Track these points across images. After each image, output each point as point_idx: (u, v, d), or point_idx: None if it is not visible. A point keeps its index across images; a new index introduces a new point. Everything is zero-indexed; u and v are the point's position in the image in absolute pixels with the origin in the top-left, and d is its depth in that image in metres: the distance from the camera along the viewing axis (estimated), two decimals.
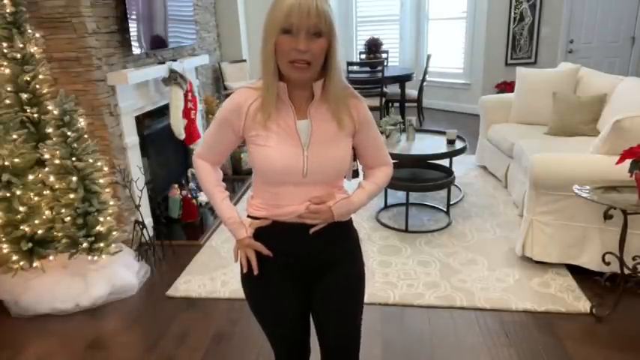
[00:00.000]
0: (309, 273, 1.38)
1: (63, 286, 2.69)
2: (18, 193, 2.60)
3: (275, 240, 1.34)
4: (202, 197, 4.01)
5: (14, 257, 2.68)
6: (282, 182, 1.28)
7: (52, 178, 2.66)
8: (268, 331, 1.47)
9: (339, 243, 1.39)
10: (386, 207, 3.84)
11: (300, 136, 1.25)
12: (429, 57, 6.50)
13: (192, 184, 4.04)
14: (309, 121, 1.26)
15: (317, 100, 1.26)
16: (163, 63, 3.63)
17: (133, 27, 3.21)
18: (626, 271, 2.35)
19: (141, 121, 3.51)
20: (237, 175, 4.72)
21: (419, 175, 3.62)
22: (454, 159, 3.82)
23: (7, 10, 2.57)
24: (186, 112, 3.77)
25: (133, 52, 3.28)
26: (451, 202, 3.73)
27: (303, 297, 1.41)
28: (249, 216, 1.40)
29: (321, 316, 1.43)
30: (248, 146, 1.31)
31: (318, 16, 1.13)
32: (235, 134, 1.31)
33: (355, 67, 6.25)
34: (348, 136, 1.31)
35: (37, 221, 2.69)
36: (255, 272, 1.36)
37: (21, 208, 2.62)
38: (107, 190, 2.84)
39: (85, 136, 2.71)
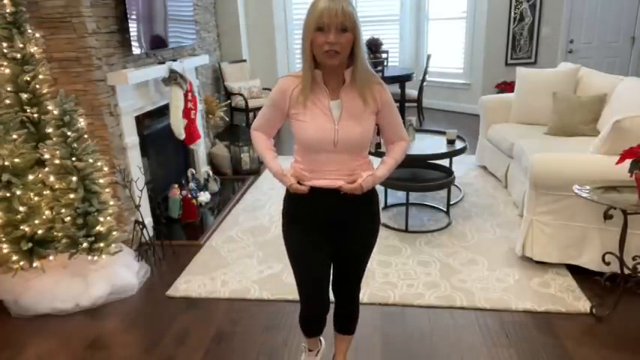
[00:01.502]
0: (337, 226, 1.70)
1: (63, 286, 2.69)
2: (18, 193, 2.60)
3: (313, 200, 1.65)
4: (202, 197, 4.02)
5: (14, 257, 2.68)
6: (318, 150, 1.58)
7: (52, 178, 2.66)
8: (301, 273, 1.74)
9: (363, 205, 1.71)
10: (386, 207, 3.84)
11: (332, 113, 1.56)
12: (429, 57, 6.50)
13: (192, 184, 4.04)
14: (340, 102, 1.57)
15: (347, 85, 1.57)
16: (163, 63, 3.63)
17: (133, 27, 3.21)
18: (626, 271, 2.35)
19: (141, 121, 3.51)
20: (237, 175, 4.72)
21: (419, 175, 3.62)
22: (454, 159, 3.82)
23: (7, 10, 2.57)
24: (186, 112, 3.77)
25: (133, 52, 3.28)
26: (451, 202, 3.73)
27: (330, 247, 1.73)
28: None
29: (340, 258, 1.78)
30: (291, 122, 1.61)
31: (343, 15, 1.43)
32: (281, 112, 1.63)
33: None
34: (371, 114, 1.61)
35: (37, 221, 2.69)
36: (305, 190, 1.64)
37: (21, 208, 2.62)
38: (107, 190, 2.84)
39: (85, 136, 2.71)
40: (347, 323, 1.97)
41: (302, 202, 1.66)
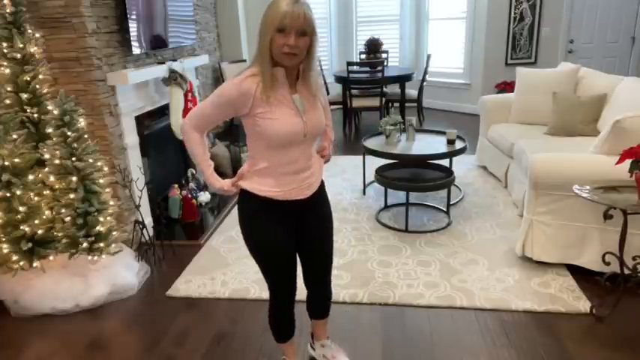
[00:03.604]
0: (297, 213, 1.77)
1: (63, 286, 2.69)
2: (18, 193, 2.60)
3: (279, 205, 1.71)
4: (202, 197, 4.02)
5: (14, 257, 2.68)
6: (288, 144, 1.62)
7: (52, 178, 2.66)
8: (267, 264, 1.80)
9: (319, 193, 1.83)
10: (386, 207, 3.84)
11: (297, 106, 1.62)
12: (429, 57, 6.50)
13: (192, 184, 4.04)
14: (299, 95, 1.64)
15: (300, 79, 1.65)
16: (163, 63, 3.63)
17: (132, 27, 3.21)
18: (626, 271, 2.35)
19: (141, 121, 3.51)
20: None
21: (419, 175, 3.62)
22: (454, 159, 3.83)
23: (7, 10, 2.57)
24: (186, 112, 3.77)
25: (133, 52, 3.27)
26: (451, 202, 3.73)
27: (293, 236, 1.81)
28: (248, 191, 1.72)
29: (308, 243, 1.86)
30: (254, 121, 1.59)
31: (305, 20, 1.49)
32: (236, 112, 1.62)
33: (355, 67, 6.25)
34: (320, 102, 1.72)
35: (37, 221, 2.69)
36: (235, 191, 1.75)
37: (21, 208, 2.62)
38: (107, 190, 2.84)
39: (85, 136, 2.71)
40: (325, 306, 2.09)
41: (270, 205, 1.70)
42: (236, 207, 1.80)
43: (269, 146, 1.63)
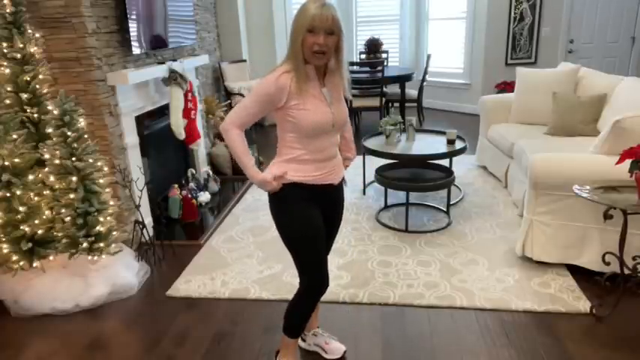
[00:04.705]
0: (326, 200, 1.94)
1: (63, 286, 2.69)
2: (18, 193, 2.60)
3: (313, 189, 1.88)
4: (202, 197, 4.02)
5: (14, 257, 2.68)
6: (318, 134, 1.79)
7: (52, 178, 2.66)
8: (310, 249, 1.87)
9: (341, 186, 2.04)
10: (386, 207, 3.84)
11: (326, 98, 1.79)
12: (429, 57, 6.50)
13: (192, 184, 4.04)
14: (327, 88, 1.81)
15: (328, 74, 1.82)
16: (163, 63, 3.63)
17: (132, 27, 3.21)
18: (626, 271, 2.35)
19: (141, 121, 3.51)
20: (237, 175, 4.72)
21: (419, 175, 3.62)
22: (454, 159, 3.83)
23: (7, 10, 2.57)
24: (186, 112, 3.77)
25: (133, 52, 3.27)
26: (451, 202, 3.73)
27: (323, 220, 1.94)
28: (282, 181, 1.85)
29: (326, 229, 1.96)
30: (287, 112, 1.75)
31: (333, 21, 1.67)
32: (274, 106, 1.77)
33: (355, 67, 6.25)
34: (343, 96, 1.90)
35: (37, 221, 2.69)
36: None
37: (21, 208, 2.62)
38: (107, 190, 2.84)
39: (85, 136, 2.71)
40: None
41: (304, 190, 1.84)
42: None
43: (301, 136, 1.79)
